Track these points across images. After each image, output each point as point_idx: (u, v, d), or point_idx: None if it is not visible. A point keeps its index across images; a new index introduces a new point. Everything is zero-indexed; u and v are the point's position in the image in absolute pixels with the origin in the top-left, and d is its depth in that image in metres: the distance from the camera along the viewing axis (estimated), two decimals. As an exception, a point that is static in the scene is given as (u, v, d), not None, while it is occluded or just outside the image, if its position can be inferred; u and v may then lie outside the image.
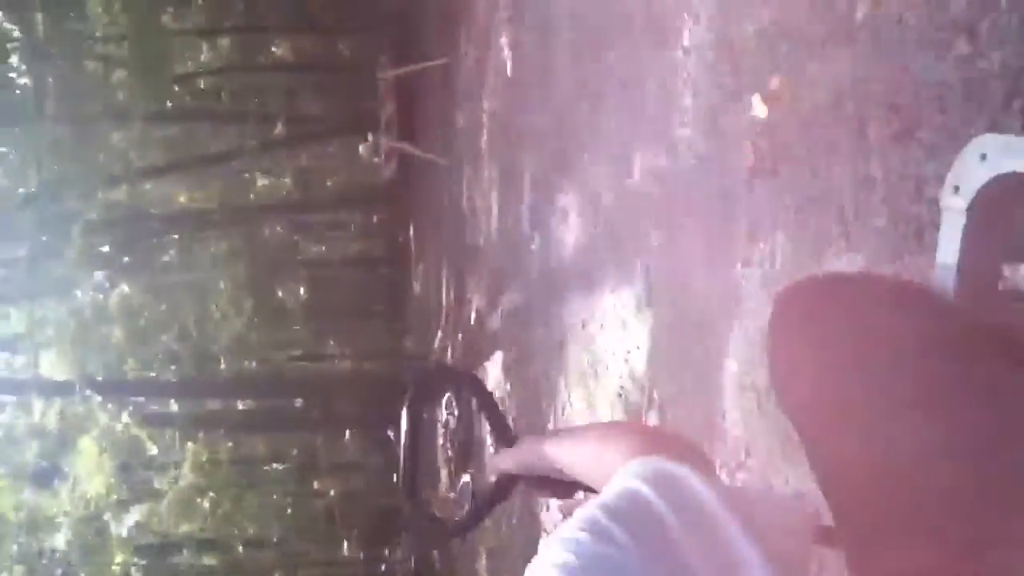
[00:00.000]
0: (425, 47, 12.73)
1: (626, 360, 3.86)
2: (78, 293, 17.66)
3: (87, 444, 13.34)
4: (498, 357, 7.02)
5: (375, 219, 23.55)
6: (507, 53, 6.90)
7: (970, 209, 0.87)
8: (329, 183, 25.27)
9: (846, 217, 2.27)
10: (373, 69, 13.92)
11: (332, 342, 25.78)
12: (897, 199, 2.09)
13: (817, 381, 0.75)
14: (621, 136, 4.00)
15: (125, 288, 19.21)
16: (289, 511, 19.98)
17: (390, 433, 17.03)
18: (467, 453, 9.61)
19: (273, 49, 22.43)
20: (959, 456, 0.62)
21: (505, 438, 1.24)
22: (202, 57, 21.46)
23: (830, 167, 2.35)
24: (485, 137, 7.82)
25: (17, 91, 16.33)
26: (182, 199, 20.86)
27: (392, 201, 19.98)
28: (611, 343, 4.08)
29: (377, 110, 13.11)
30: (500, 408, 1.32)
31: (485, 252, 7.87)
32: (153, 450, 15.06)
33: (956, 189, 0.87)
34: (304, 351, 25.21)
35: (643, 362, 3.69)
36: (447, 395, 8.49)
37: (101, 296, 18.65)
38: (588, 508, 0.67)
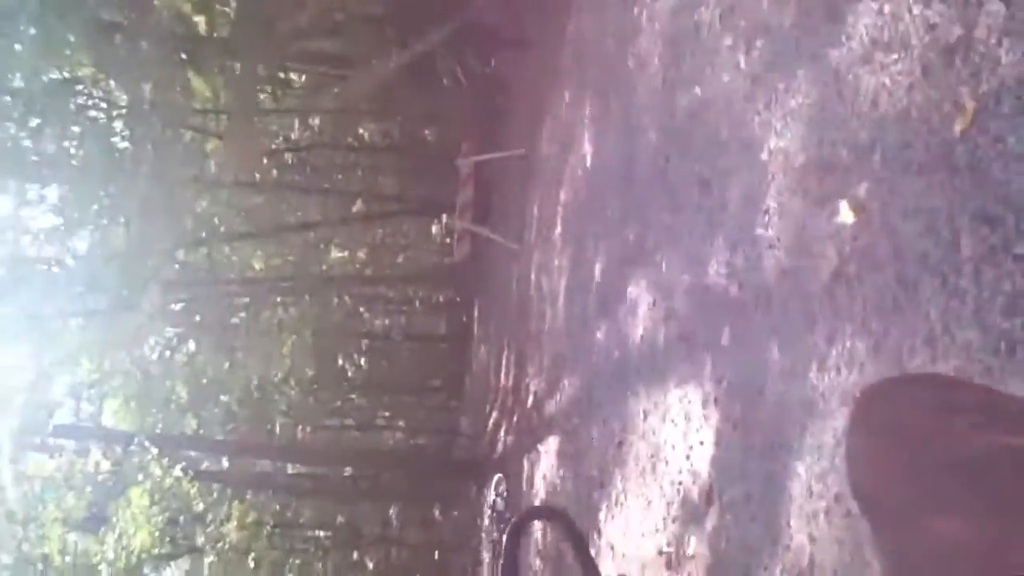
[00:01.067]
0: (507, 138, 13.02)
1: (688, 456, 3.77)
2: (148, 348, 18.06)
3: (137, 495, 13.43)
4: (552, 443, 6.94)
5: (441, 298, 23.80)
6: (588, 148, 7.01)
7: None
8: (400, 259, 25.71)
9: (933, 328, 2.21)
10: (453, 155, 14.25)
11: (387, 414, 25.83)
12: (989, 314, 2.03)
13: (894, 481, 0.74)
14: (699, 232, 4.00)
15: (192, 346, 19.61)
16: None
17: (436, 512, 16.85)
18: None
19: (360, 131, 23.19)
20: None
21: None
22: (293, 135, 22.27)
23: (918, 277, 2.30)
24: (559, 227, 7.90)
25: (117, 154, 17.06)
26: (258, 265, 21.39)
27: (459, 282, 20.20)
28: (673, 437, 4.00)
29: (454, 194, 13.36)
30: (591, 553, 1.27)
31: (548, 337, 7.86)
32: (200, 506, 15.09)
33: None
34: (359, 421, 25.29)
35: (706, 460, 3.60)
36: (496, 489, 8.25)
37: (169, 352, 19.05)
38: None
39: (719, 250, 3.72)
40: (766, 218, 3.27)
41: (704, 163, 4.04)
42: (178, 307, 20.04)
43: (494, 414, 12.76)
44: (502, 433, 11.21)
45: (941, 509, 0.67)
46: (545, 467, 7.22)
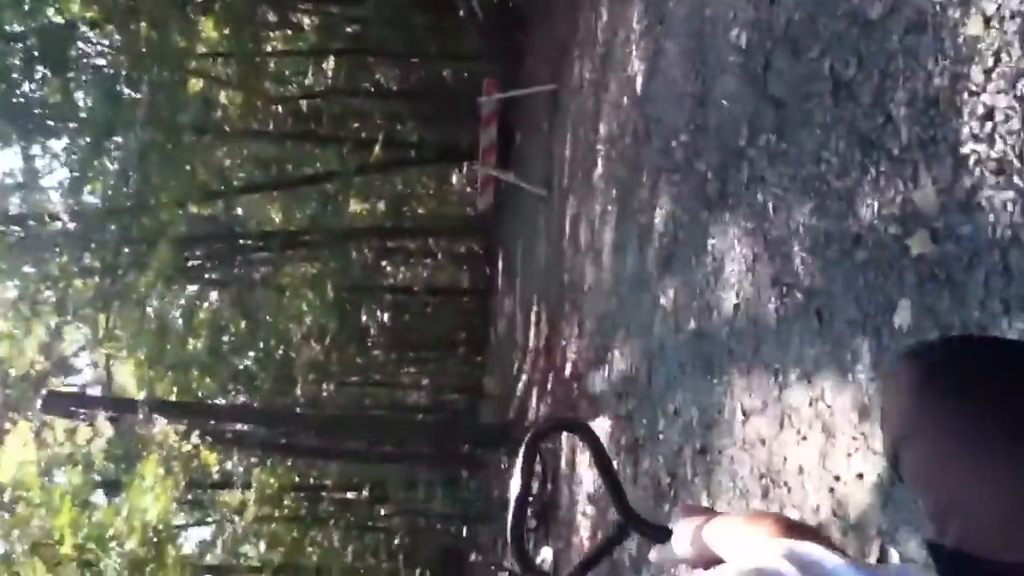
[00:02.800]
0: (531, 74, 11.59)
1: (832, 489, 2.48)
2: (162, 306, 16.94)
3: (151, 465, 12.35)
4: (601, 424, 5.67)
5: (463, 249, 22.49)
6: (638, 67, 5.62)
7: None
8: (421, 210, 24.36)
9: None
10: (474, 97, 12.87)
11: (411, 369, 24.72)
12: None
13: (933, 443, 0.76)
14: (840, 158, 2.66)
15: (209, 304, 18.49)
16: (352, 545, 18.83)
17: (463, 473, 15.75)
18: (546, 519, 8.27)
19: (376, 75, 21.72)
20: None
21: (625, 508, 1.17)
22: (306, 81, 20.87)
23: None
24: (600, 167, 6.55)
25: (121, 103, 15.78)
26: (275, 218, 20.13)
27: (482, 232, 18.89)
28: (803, 457, 2.70)
29: (476, 139, 11.98)
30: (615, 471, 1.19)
31: (590, 296, 6.57)
32: (219, 473, 14.07)
33: None
34: (382, 376, 24.21)
35: (866, 496, 2.31)
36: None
37: (185, 311, 17.93)
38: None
39: (884, 182, 2.39)
40: (981, 126, 1.95)
41: (838, 53, 2.70)
42: (194, 264, 18.93)
43: (523, 376, 11.53)
44: (534, 399, 9.98)
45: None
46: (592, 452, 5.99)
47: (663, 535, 1.16)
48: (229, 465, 16.18)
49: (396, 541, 18.02)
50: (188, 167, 16.58)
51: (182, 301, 18.28)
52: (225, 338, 18.59)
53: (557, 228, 8.78)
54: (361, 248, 20.58)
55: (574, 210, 7.72)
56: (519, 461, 1.26)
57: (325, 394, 23.04)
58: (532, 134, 11.04)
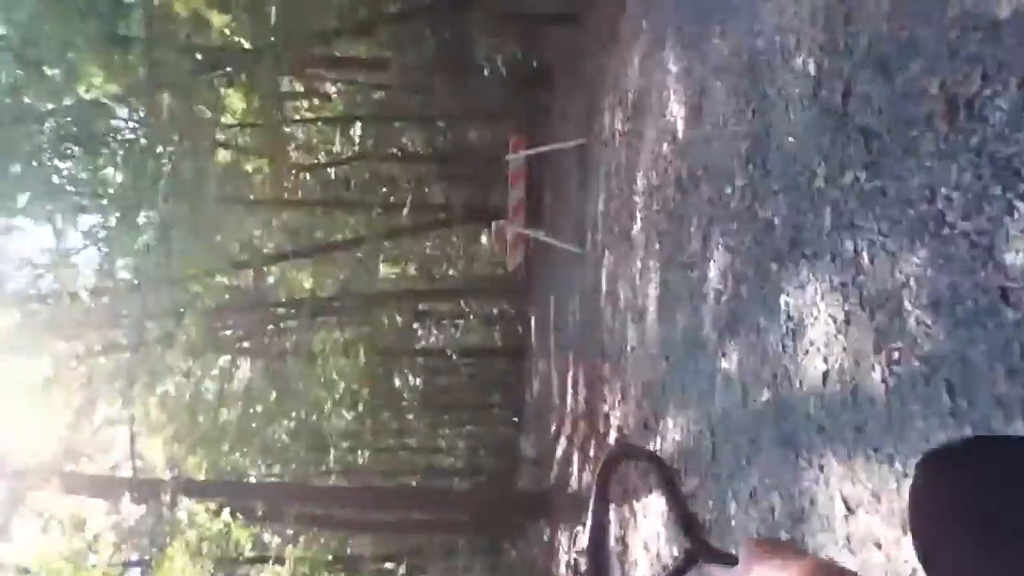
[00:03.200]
0: (558, 129, 11.20)
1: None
2: (191, 380, 16.55)
3: (179, 544, 11.80)
4: (654, 504, 5.07)
5: (495, 311, 22.00)
6: (678, 112, 5.15)
7: None
8: (451, 272, 23.97)
9: None
10: (501, 155, 12.52)
11: (446, 431, 24.06)
12: None
13: (967, 550, 0.73)
14: (959, 193, 2.12)
15: (240, 374, 18.09)
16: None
17: (504, 543, 15.03)
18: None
19: (403, 139, 21.56)
20: None
21: (694, 535, 1.13)
22: (334, 148, 20.76)
23: None
24: (639, 221, 6.06)
25: (148, 176, 15.65)
26: (306, 285, 19.83)
27: (513, 292, 18.41)
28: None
29: (505, 198, 11.58)
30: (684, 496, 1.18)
31: (633, 360, 6.02)
32: (251, 551, 13.47)
33: None
34: (418, 442, 23.59)
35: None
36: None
37: (214, 384, 17.55)
38: None
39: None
40: None
41: (951, 66, 2.18)
42: (225, 334, 18.61)
43: (562, 439, 10.91)
44: (575, 465, 9.35)
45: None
46: (646, 532, 5.37)
47: (731, 562, 1.10)
48: (265, 538, 15.58)
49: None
50: (217, 237, 16.37)
51: (214, 373, 17.93)
52: (256, 409, 18.17)
53: (592, 287, 8.26)
54: (392, 312, 20.19)
55: (611, 267, 7.20)
56: (592, 491, 1.21)
57: (361, 461, 22.47)
58: (562, 191, 10.61)
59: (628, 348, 6.18)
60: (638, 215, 6.07)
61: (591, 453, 8.09)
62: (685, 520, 1.18)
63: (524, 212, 10.24)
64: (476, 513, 11.05)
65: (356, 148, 20.25)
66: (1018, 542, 0.70)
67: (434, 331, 23.56)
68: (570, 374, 10.74)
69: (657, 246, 5.35)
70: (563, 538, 9.69)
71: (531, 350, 16.86)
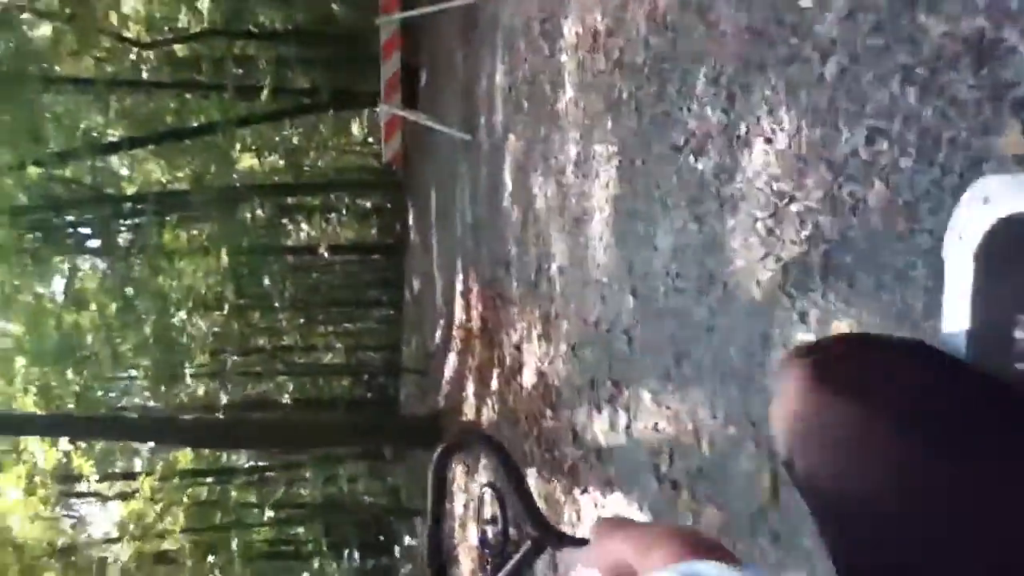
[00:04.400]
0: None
1: None
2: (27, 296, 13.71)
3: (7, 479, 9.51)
4: (612, 497, 3.36)
5: (369, 204, 19.66)
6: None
7: (977, 256, 0.72)
8: (320, 164, 21.30)
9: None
10: (371, 31, 10.14)
11: (324, 329, 21.96)
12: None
13: (828, 446, 0.71)
14: None
15: (82, 283, 15.28)
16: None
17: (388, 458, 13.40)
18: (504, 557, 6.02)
19: (260, 17, 18.41)
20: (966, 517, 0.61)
21: (541, 522, 1.05)
22: (179, 23, 17.50)
23: None
24: (569, 88, 4.12)
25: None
26: (152, 178, 16.91)
27: (391, 185, 16.15)
28: None
29: (376, 69, 9.29)
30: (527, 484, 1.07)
31: (563, 287, 4.21)
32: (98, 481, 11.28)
33: (960, 237, 0.73)
34: (291, 341, 21.42)
35: None
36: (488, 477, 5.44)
37: (52, 294, 14.72)
38: None
39: None
40: None
41: None
42: (61, 233, 15.64)
43: (451, 356, 9.13)
44: (470, 390, 7.61)
45: (901, 467, 0.65)
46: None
47: (580, 546, 1.00)
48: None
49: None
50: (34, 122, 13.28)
51: (47, 278, 15.06)
52: (105, 316, 15.52)
53: (489, 181, 6.33)
54: (254, 207, 17.61)
55: (519, 157, 5.26)
56: (429, 481, 1.12)
57: (231, 363, 20.19)
58: (444, 63, 8.44)
59: (552, 268, 4.33)
60: (567, 80, 4.11)
61: (493, 385, 6.33)
62: (529, 507, 1.05)
63: (400, 90, 8.04)
64: (357, 439, 9.26)
65: (204, 24, 17.13)
66: (877, 451, 0.66)
67: (304, 227, 21.01)
68: (459, 281, 8.88)
69: (610, 123, 3.44)
70: (456, 466, 8.02)
71: (410, 247, 14.85)
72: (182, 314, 16.52)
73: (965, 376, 0.70)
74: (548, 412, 4.27)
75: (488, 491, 1.10)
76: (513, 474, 1.10)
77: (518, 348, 5.23)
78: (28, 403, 10.56)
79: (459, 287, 8.89)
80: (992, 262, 0.71)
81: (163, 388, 16.84)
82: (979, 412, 0.65)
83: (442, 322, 10.91)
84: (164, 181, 17.33)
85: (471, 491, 7.11)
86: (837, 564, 0.70)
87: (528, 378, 4.85)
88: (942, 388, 0.68)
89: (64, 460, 10.38)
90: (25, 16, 13.77)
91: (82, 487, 12.07)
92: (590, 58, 3.68)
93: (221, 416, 14.31)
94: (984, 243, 0.71)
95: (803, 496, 0.73)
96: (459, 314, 8.89)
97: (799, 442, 0.74)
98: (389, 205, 17.78)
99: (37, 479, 10.08)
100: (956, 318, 0.72)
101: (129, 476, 14.44)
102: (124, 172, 16.88)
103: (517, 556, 1.06)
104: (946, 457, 0.63)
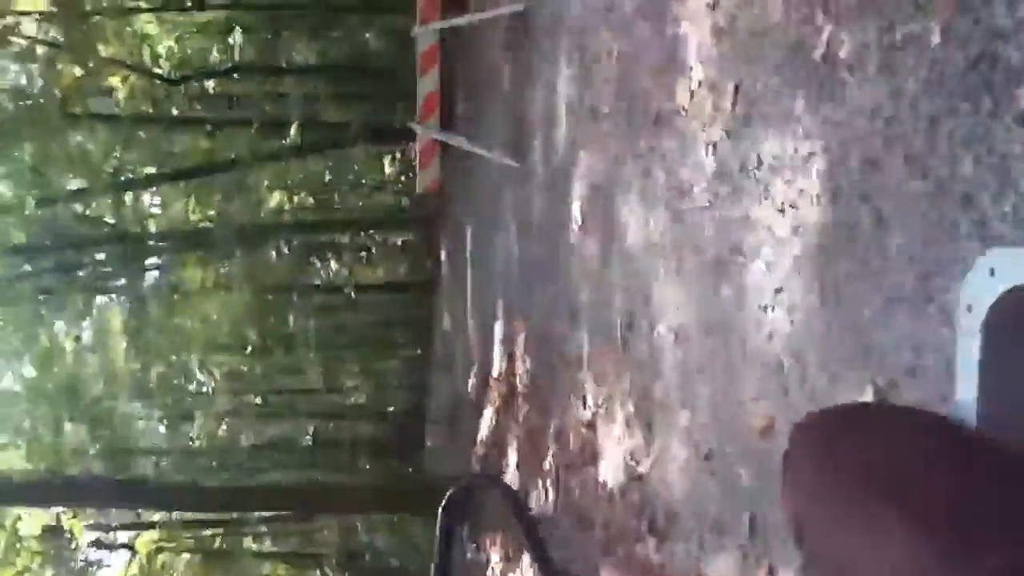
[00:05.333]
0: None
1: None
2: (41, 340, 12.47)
3: None
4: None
5: (399, 242, 18.40)
6: None
7: (984, 328, 0.72)
8: (354, 201, 20.13)
9: None
10: (405, 67, 8.93)
11: (349, 368, 20.62)
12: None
13: (834, 511, 0.68)
14: None
15: (97, 326, 14.03)
16: None
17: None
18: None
19: (293, 53, 17.42)
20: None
21: (550, 568, 1.02)
22: (210, 59, 16.57)
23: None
24: (695, 76, 2.80)
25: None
26: (177, 216, 15.77)
27: (422, 221, 14.85)
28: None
29: (410, 103, 8.05)
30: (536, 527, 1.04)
31: (675, 357, 2.85)
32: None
33: (969, 308, 0.73)
34: (314, 382, 20.09)
35: None
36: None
37: (65, 338, 13.47)
38: None
39: None
40: None
41: None
42: (79, 274, 14.49)
43: (488, 413, 7.74)
44: (510, 462, 6.20)
45: (911, 532, 0.60)
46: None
47: None
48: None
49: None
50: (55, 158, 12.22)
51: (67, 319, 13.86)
52: (123, 355, 14.30)
53: (548, 212, 5.01)
54: (281, 244, 16.43)
55: (597, 179, 3.92)
56: (437, 529, 1.06)
57: (252, 402, 18.89)
58: (485, 82, 7.18)
59: (657, 327, 2.95)
60: (692, 56, 2.76)
61: (547, 464, 4.92)
62: (541, 554, 1.02)
63: (438, 109, 6.76)
64: (383, 508, 7.87)
65: (236, 60, 16.20)
66: (888, 521, 0.61)
67: (333, 266, 19.78)
68: (499, 326, 7.53)
69: (800, 102, 2.08)
70: (494, 552, 6.60)
71: (441, 287, 13.52)
72: (201, 354, 15.31)
73: (975, 447, 0.66)
74: (650, 539, 2.84)
75: None
76: (525, 518, 1.04)
77: (590, 427, 3.84)
78: (14, 458, 9.27)
79: (498, 333, 7.53)
80: (999, 333, 0.70)
81: (179, 429, 15.56)
82: (988, 485, 0.60)
83: (475, 370, 9.53)
84: (190, 219, 16.23)
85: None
86: None
87: (610, 474, 3.44)
88: (951, 460, 0.63)
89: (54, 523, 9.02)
90: (52, 51, 12.85)
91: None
92: (741, 14, 2.33)
93: (242, 461, 12.94)
94: (990, 314, 0.71)
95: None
96: (498, 364, 7.51)
97: (806, 523, 0.69)
98: (420, 242, 16.53)
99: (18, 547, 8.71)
100: (966, 388, 0.70)
101: (130, 527, 13.08)
102: (152, 210, 15.78)
103: None
104: (949, 539, 0.58)
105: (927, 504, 0.59)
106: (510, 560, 6.06)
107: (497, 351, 7.60)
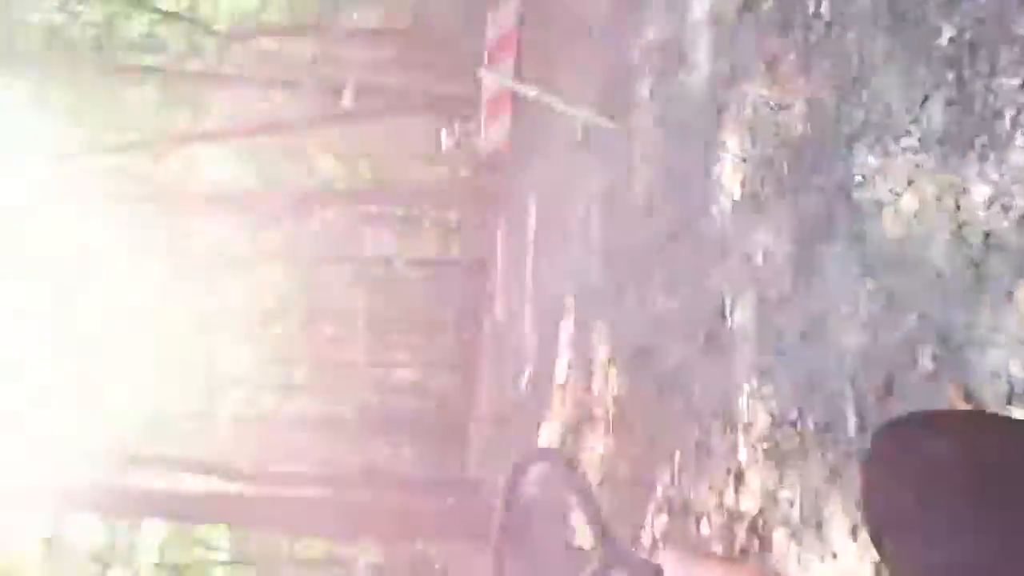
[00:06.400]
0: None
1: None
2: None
3: None
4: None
5: (453, 217, 16.90)
6: None
7: None
8: (411, 171, 18.68)
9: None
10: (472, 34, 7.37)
11: (395, 342, 19.31)
12: None
13: (919, 517, 0.66)
14: None
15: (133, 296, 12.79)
16: None
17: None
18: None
19: (353, 14, 15.95)
20: None
21: (608, 542, 0.97)
22: (264, 16, 15.21)
23: None
24: None
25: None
26: (221, 177, 14.48)
27: (477, 194, 13.27)
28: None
29: (471, 85, 6.49)
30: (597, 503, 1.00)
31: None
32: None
33: None
34: (359, 357, 18.82)
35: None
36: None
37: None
38: None
39: None
40: None
41: None
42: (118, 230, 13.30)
43: (548, 426, 6.21)
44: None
45: (959, 535, 0.60)
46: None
47: (649, 571, 0.93)
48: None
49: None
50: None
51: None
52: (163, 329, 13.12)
53: (666, 185, 3.41)
54: (332, 213, 15.07)
55: (765, 129, 2.29)
56: (501, 503, 1.04)
57: (298, 375, 17.73)
58: (565, 21, 5.54)
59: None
60: None
61: (648, 515, 3.36)
62: (598, 527, 0.98)
63: (515, 52, 5.14)
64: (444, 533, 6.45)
65: (294, 18, 14.83)
66: (972, 530, 0.60)
67: (385, 238, 18.37)
68: (566, 327, 5.98)
69: None
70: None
71: (496, 268, 11.99)
72: (244, 324, 14.11)
73: None
74: None
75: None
76: (585, 493, 1.03)
77: (752, 530, 2.25)
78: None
79: (566, 335, 5.97)
80: None
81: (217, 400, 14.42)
82: None
83: (530, 370, 8.01)
84: (235, 181, 14.92)
85: None
86: None
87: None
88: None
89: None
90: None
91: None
92: None
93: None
94: None
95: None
96: (565, 371, 5.96)
97: (886, 525, 0.68)
98: (475, 219, 15.00)
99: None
100: None
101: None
102: (195, 170, 14.50)
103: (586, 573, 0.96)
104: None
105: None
106: None
107: (565, 356, 6.05)
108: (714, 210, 2.70)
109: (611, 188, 4.53)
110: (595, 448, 4.53)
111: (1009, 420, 0.72)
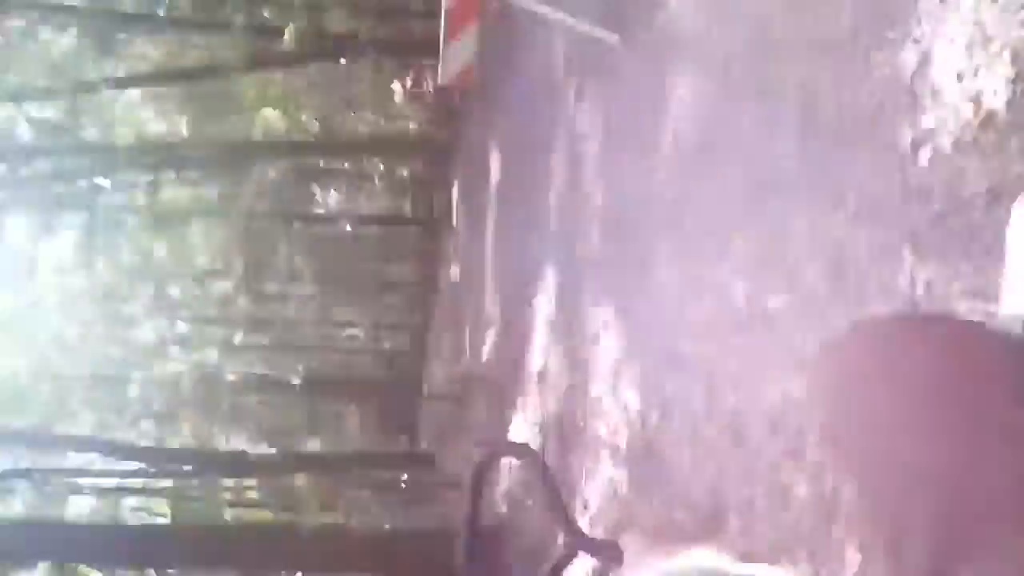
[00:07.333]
0: None
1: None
2: None
3: None
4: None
5: (406, 173, 15.28)
6: None
7: None
8: (360, 124, 16.90)
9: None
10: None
11: (344, 307, 17.79)
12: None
13: (868, 412, 0.64)
14: None
15: (53, 254, 11.04)
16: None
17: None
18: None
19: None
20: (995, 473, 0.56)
21: (572, 528, 0.98)
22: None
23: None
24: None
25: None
26: (151, 128, 12.62)
27: (432, 145, 11.68)
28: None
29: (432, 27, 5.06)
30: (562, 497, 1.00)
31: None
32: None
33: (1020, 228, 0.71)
34: (308, 316, 17.30)
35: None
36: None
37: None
38: None
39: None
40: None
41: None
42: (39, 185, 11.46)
43: (524, 414, 4.99)
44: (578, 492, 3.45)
45: (913, 436, 0.59)
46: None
47: (614, 553, 0.94)
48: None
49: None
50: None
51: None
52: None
53: (698, 117, 2.14)
54: (272, 168, 13.38)
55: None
56: (467, 495, 1.06)
57: (238, 339, 16.14)
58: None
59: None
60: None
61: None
62: (561, 513, 1.00)
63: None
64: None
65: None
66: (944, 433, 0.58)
67: (333, 194, 16.69)
68: (545, 304, 4.72)
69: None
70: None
71: (453, 227, 10.61)
72: (181, 283, 12.50)
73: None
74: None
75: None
76: (547, 480, 1.03)
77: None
78: None
79: (548, 315, 4.73)
80: None
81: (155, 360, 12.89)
82: None
83: (495, 343, 6.78)
84: (165, 131, 13.07)
85: None
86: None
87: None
88: (1000, 365, 0.60)
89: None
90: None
91: None
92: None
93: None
94: None
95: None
96: (544, 357, 4.73)
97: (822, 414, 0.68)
98: (429, 172, 13.52)
99: None
100: (1014, 300, 0.67)
101: None
102: (120, 120, 12.57)
103: (547, 565, 0.98)
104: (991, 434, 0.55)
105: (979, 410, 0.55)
106: None
107: (540, 340, 4.81)
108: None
109: (617, 125, 3.22)
110: (589, 468, 3.31)
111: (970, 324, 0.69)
